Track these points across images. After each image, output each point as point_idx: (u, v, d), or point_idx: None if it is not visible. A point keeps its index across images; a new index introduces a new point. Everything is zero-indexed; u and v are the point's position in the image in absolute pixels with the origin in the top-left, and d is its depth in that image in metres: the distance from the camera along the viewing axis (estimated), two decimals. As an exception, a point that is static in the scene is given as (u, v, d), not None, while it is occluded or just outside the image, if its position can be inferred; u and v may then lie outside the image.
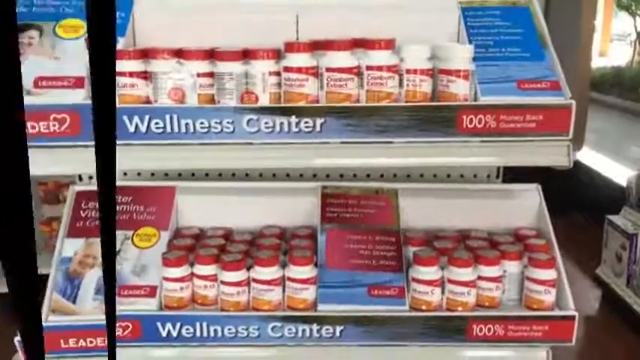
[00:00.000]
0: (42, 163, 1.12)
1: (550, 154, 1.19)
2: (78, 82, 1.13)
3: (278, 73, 1.19)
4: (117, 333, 1.22)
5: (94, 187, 1.41)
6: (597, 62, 9.10)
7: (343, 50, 1.18)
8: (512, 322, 1.23)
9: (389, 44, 1.18)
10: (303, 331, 1.23)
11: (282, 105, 1.19)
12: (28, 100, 1.09)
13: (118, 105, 1.18)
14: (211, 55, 1.20)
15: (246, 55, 1.20)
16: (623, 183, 3.55)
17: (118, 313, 1.24)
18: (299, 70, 1.17)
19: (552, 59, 1.25)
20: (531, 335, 1.24)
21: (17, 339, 1.20)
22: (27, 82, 1.13)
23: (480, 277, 1.25)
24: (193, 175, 1.54)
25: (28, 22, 1.17)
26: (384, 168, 1.52)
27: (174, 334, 1.24)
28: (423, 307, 1.24)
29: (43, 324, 1.19)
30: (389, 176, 1.54)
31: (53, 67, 1.12)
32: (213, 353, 1.25)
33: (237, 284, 1.24)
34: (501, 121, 1.17)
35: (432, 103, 1.19)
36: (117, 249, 1.32)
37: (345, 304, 1.24)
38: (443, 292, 1.25)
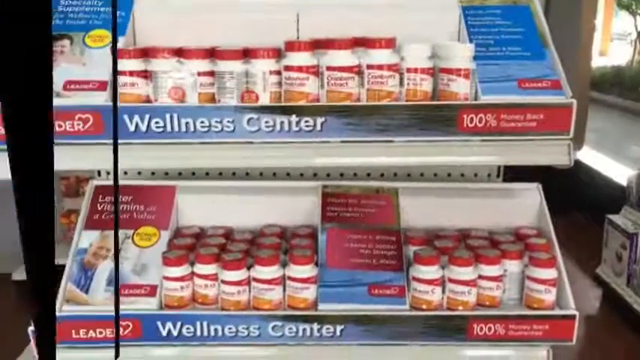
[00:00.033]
0: (66, 159, 1.17)
1: (551, 153, 1.19)
2: (101, 86, 1.20)
3: (278, 72, 1.19)
4: (117, 332, 1.23)
5: (112, 182, 1.44)
6: (597, 61, 9.09)
7: (344, 49, 1.18)
8: (512, 321, 1.23)
9: (389, 43, 1.18)
10: (304, 330, 1.23)
11: (283, 104, 1.18)
12: (57, 101, 1.15)
13: (118, 104, 1.19)
14: (212, 54, 1.20)
15: (247, 54, 1.19)
16: (624, 182, 3.55)
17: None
18: (299, 69, 1.17)
19: (553, 58, 1.25)
20: (532, 334, 1.24)
21: (31, 329, 1.22)
22: (58, 85, 1.20)
23: (480, 277, 1.25)
24: (194, 174, 1.54)
25: (61, 33, 1.28)
26: (385, 167, 1.52)
27: (175, 333, 1.24)
28: (424, 307, 1.24)
29: (57, 313, 1.20)
30: (389, 175, 1.54)
31: (81, 72, 1.22)
32: (214, 352, 1.25)
33: (238, 283, 1.24)
34: (502, 120, 1.17)
35: (432, 102, 1.19)
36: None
37: (345, 303, 1.24)
38: (443, 292, 1.25)
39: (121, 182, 1.46)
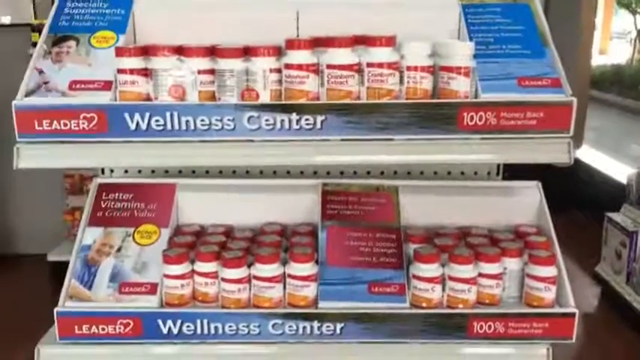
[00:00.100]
0: (71, 157, 1.21)
1: (551, 151, 1.19)
2: (106, 86, 1.22)
3: (279, 70, 1.19)
4: (118, 330, 1.23)
5: (115, 180, 1.46)
6: (597, 60, 9.10)
7: (344, 47, 1.18)
8: (512, 319, 1.23)
9: (389, 41, 1.18)
10: (304, 328, 1.23)
11: (283, 102, 1.19)
12: (62, 100, 1.18)
13: (118, 102, 1.20)
14: (212, 52, 1.20)
15: (247, 52, 1.19)
16: (623, 181, 3.55)
17: (118, 310, 1.26)
18: (299, 67, 1.17)
19: (553, 56, 1.25)
20: (531, 332, 1.24)
21: (56, 309, 1.24)
22: (63, 85, 1.22)
23: (480, 274, 1.25)
24: (194, 172, 1.54)
25: (68, 34, 1.30)
26: (385, 165, 1.52)
27: (175, 331, 1.24)
28: (424, 305, 1.25)
29: (60, 309, 1.20)
30: (389, 173, 1.54)
31: (86, 72, 1.25)
32: (214, 350, 1.26)
33: (238, 281, 1.24)
34: (502, 119, 1.17)
35: (432, 100, 1.19)
36: (118, 246, 1.33)
37: (345, 301, 1.24)
38: (443, 289, 1.25)
39: (121, 180, 1.46)
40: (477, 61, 1.20)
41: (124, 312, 1.24)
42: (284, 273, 1.25)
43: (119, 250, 1.33)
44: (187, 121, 1.17)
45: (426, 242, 1.33)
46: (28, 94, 1.21)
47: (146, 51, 1.21)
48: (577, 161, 3.73)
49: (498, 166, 1.55)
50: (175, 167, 1.52)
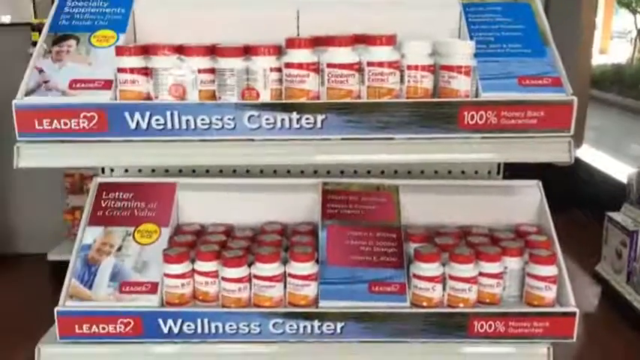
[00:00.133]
0: (71, 156, 1.21)
1: (551, 150, 1.19)
2: (106, 85, 1.22)
3: (279, 69, 1.19)
4: (119, 329, 1.23)
5: (115, 179, 1.46)
6: (597, 59, 9.10)
7: (344, 46, 1.18)
8: (513, 318, 1.23)
9: (390, 40, 1.18)
10: (304, 327, 1.23)
11: (284, 101, 1.18)
12: (63, 99, 1.18)
13: (118, 101, 1.20)
14: (212, 51, 1.20)
15: (247, 51, 1.19)
16: (624, 180, 3.55)
17: (119, 309, 1.26)
18: (300, 66, 1.17)
19: (554, 55, 1.25)
20: (532, 332, 1.24)
21: (57, 309, 1.24)
22: (64, 84, 1.22)
23: (480, 274, 1.25)
24: (194, 171, 1.54)
25: (68, 33, 1.31)
26: (385, 164, 1.52)
27: (176, 330, 1.24)
28: (424, 304, 1.24)
29: (60, 308, 1.20)
30: (390, 172, 1.54)
31: (87, 71, 1.25)
32: (215, 349, 1.26)
33: (239, 280, 1.24)
34: (502, 118, 1.17)
35: (433, 100, 1.19)
36: (118, 245, 1.33)
37: (346, 300, 1.24)
38: (444, 289, 1.25)
39: (121, 179, 1.46)
40: (477, 60, 1.20)
41: (124, 311, 1.24)
42: (284, 272, 1.25)
43: (119, 249, 1.33)
44: (188, 121, 1.17)
45: (427, 241, 1.33)
46: (28, 94, 1.21)
47: (146, 50, 1.21)
48: (577, 161, 3.73)
49: (499, 165, 1.55)
50: (176, 166, 1.52)
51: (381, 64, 1.17)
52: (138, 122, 1.17)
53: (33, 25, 3.56)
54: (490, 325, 1.23)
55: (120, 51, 1.21)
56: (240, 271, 1.24)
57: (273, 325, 1.23)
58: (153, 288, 1.27)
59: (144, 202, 1.40)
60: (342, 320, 1.23)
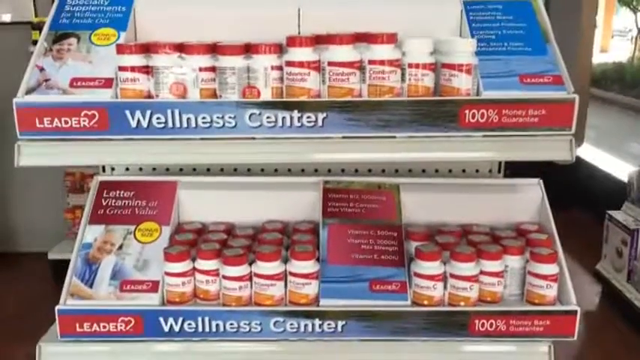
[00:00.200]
0: (72, 155, 1.21)
1: (553, 148, 1.19)
2: (107, 83, 1.22)
3: (280, 68, 1.19)
4: (119, 328, 1.23)
5: (116, 178, 1.46)
6: (598, 58, 9.09)
7: (345, 44, 1.17)
8: (514, 317, 1.23)
9: (391, 38, 1.18)
10: (305, 326, 1.23)
11: (285, 99, 1.18)
12: (63, 98, 1.18)
13: (119, 100, 1.19)
14: (213, 49, 1.20)
15: (248, 49, 1.19)
16: (624, 179, 3.55)
17: (120, 308, 1.26)
18: (301, 64, 1.17)
19: (555, 54, 1.25)
20: (533, 330, 1.24)
21: (57, 308, 1.24)
22: (64, 82, 1.22)
23: (481, 272, 1.25)
24: (195, 170, 1.54)
25: (68, 31, 1.30)
26: (386, 163, 1.52)
27: (177, 329, 1.24)
28: (425, 302, 1.24)
29: (61, 307, 1.20)
30: (390, 171, 1.54)
31: (87, 69, 1.24)
32: (215, 348, 1.26)
33: (239, 279, 1.24)
34: (504, 116, 1.17)
35: (434, 98, 1.19)
36: (119, 244, 1.33)
37: (346, 299, 1.24)
38: (445, 287, 1.25)
39: (122, 178, 1.46)
40: (478, 58, 1.19)
41: (125, 310, 1.24)
42: (285, 271, 1.25)
43: (120, 247, 1.33)
44: (188, 119, 1.17)
45: (428, 240, 1.33)
46: (28, 92, 1.20)
47: (147, 48, 1.21)
48: (578, 159, 3.73)
49: (500, 163, 1.55)
50: (176, 165, 1.52)
51: (382, 63, 1.17)
52: (139, 121, 1.17)
53: (33, 24, 3.56)
54: (491, 324, 1.23)
55: (121, 49, 1.21)
56: (241, 270, 1.24)
57: (274, 323, 1.23)
58: (154, 286, 1.27)
59: (145, 200, 1.40)
60: (343, 319, 1.23)
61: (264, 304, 1.24)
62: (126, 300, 1.26)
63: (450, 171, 1.55)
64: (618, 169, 4.40)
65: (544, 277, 1.25)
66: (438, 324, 1.23)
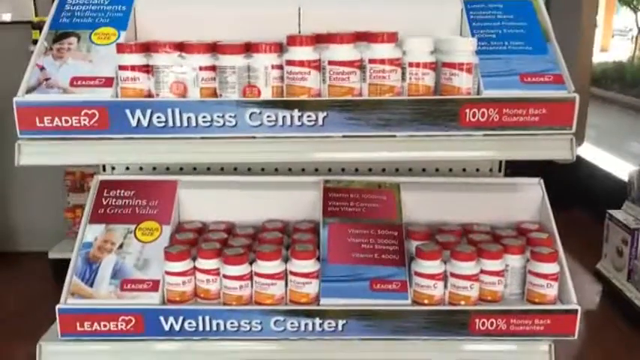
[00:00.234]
0: (72, 154, 1.21)
1: (553, 147, 1.19)
2: (107, 82, 1.22)
3: (280, 67, 1.19)
4: (120, 327, 1.23)
5: (116, 177, 1.46)
6: (598, 57, 9.09)
7: (345, 43, 1.17)
8: (514, 316, 1.23)
9: (391, 37, 1.18)
10: (306, 325, 1.23)
11: (285, 98, 1.18)
12: (64, 97, 1.18)
13: (119, 99, 1.19)
14: (213, 48, 1.20)
15: (249, 48, 1.19)
16: (625, 178, 3.55)
17: (120, 307, 1.26)
18: (301, 63, 1.17)
19: (555, 53, 1.25)
20: (534, 329, 1.24)
21: (58, 307, 1.24)
22: (65, 81, 1.22)
23: (482, 271, 1.25)
24: (195, 169, 1.54)
25: (69, 31, 1.31)
26: (387, 162, 1.52)
27: (177, 328, 1.24)
28: (426, 301, 1.24)
29: (62, 306, 1.20)
30: (391, 170, 1.54)
31: (88, 69, 1.25)
32: (216, 347, 1.25)
33: (240, 278, 1.24)
34: (504, 115, 1.17)
35: (434, 97, 1.19)
36: (119, 243, 1.33)
37: (347, 298, 1.24)
38: (445, 286, 1.25)
39: (123, 177, 1.46)
40: (479, 57, 1.19)
41: (125, 309, 1.24)
42: (286, 270, 1.25)
43: (120, 247, 1.33)
44: (189, 118, 1.17)
45: (428, 239, 1.33)
46: (29, 91, 1.20)
47: (147, 47, 1.21)
48: (578, 158, 3.73)
49: (500, 162, 1.55)
50: (177, 164, 1.52)
51: (382, 62, 1.17)
52: (139, 120, 1.17)
53: (33, 24, 3.56)
54: (492, 323, 1.23)
55: (121, 48, 1.21)
56: (242, 269, 1.24)
57: (275, 322, 1.23)
58: (154, 286, 1.27)
59: (145, 199, 1.40)
60: (344, 318, 1.23)
61: (264, 303, 1.24)
62: (126, 299, 1.26)
63: (451, 170, 1.55)
64: (618, 168, 4.39)
65: (544, 277, 1.25)
66: (438, 323, 1.23)
